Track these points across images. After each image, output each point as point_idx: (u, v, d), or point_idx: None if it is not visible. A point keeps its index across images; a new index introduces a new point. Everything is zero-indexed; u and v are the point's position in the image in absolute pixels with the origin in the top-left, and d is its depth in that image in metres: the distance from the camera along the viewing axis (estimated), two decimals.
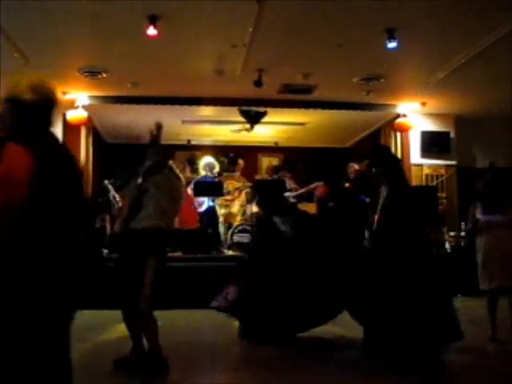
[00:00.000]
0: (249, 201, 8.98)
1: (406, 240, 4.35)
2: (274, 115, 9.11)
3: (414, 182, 9.07)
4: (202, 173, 9.04)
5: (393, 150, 9.36)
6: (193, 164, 9.29)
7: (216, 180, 8.94)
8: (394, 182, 4.53)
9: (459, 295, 7.67)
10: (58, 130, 8.61)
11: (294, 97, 8.22)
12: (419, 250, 4.37)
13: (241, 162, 9.81)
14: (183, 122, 9.77)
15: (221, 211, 9.27)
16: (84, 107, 8.15)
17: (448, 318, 4.34)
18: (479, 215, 5.14)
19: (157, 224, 3.98)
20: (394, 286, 4.26)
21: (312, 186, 9.01)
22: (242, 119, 9.18)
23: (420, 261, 4.31)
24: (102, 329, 5.81)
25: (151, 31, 5.43)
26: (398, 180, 4.57)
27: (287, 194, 8.81)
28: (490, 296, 5.14)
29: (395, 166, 4.68)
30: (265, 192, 6.72)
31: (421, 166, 9.23)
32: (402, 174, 4.71)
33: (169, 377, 4.06)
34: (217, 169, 9.21)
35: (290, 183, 9.13)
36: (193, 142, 11.15)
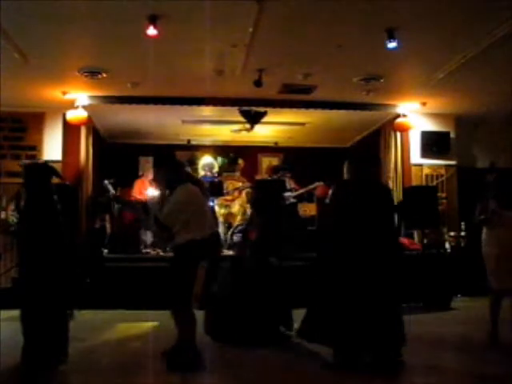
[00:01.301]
0: (249, 201, 8.99)
1: (345, 239, 4.23)
2: (273, 115, 9.10)
3: (414, 182, 9.09)
4: (202, 173, 9.05)
5: (393, 150, 9.39)
6: (193, 164, 9.30)
7: (216, 180, 8.95)
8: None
9: (459, 295, 7.69)
10: (57, 130, 8.63)
11: (294, 97, 8.21)
12: (364, 252, 4.18)
13: (241, 161, 9.82)
14: (183, 122, 9.76)
15: (221, 211, 9.27)
16: (84, 107, 8.14)
17: (392, 322, 4.21)
18: (495, 209, 5.00)
19: (205, 233, 4.28)
20: (334, 286, 4.19)
21: (312, 186, 9.01)
22: (242, 119, 9.17)
23: (365, 263, 4.15)
24: (101, 329, 5.82)
25: (151, 31, 5.42)
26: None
27: (287, 194, 8.82)
28: (496, 296, 5.01)
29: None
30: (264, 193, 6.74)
31: (421, 166, 9.22)
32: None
33: (168, 377, 4.07)
34: (216, 169, 9.22)
35: (290, 183, 9.14)
36: (193, 142, 11.14)
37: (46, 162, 6.08)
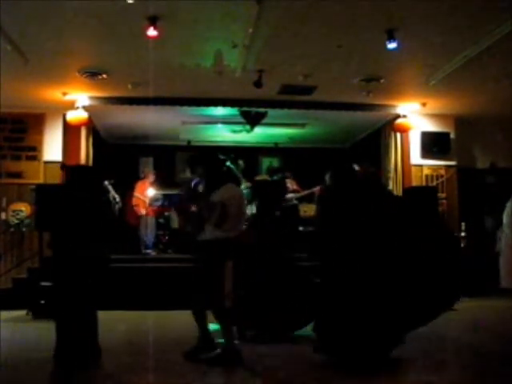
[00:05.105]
0: (249, 201, 8.97)
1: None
2: (274, 116, 9.11)
3: (414, 183, 9.09)
4: None
5: (393, 150, 9.39)
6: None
7: None
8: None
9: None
10: (58, 131, 8.64)
11: (294, 97, 8.22)
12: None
13: (241, 162, 9.80)
14: (183, 122, 9.76)
15: None
16: (84, 108, 8.15)
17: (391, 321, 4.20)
18: None
19: (236, 233, 4.44)
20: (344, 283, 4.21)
21: (315, 189, 9.01)
22: (242, 120, 9.18)
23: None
24: (102, 329, 5.80)
25: (151, 32, 5.43)
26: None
27: (290, 195, 8.83)
28: None
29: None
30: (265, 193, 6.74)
31: (421, 166, 9.23)
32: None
33: (169, 377, 4.06)
34: None
35: (292, 184, 9.14)
36: (193, 143, 11.15)
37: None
